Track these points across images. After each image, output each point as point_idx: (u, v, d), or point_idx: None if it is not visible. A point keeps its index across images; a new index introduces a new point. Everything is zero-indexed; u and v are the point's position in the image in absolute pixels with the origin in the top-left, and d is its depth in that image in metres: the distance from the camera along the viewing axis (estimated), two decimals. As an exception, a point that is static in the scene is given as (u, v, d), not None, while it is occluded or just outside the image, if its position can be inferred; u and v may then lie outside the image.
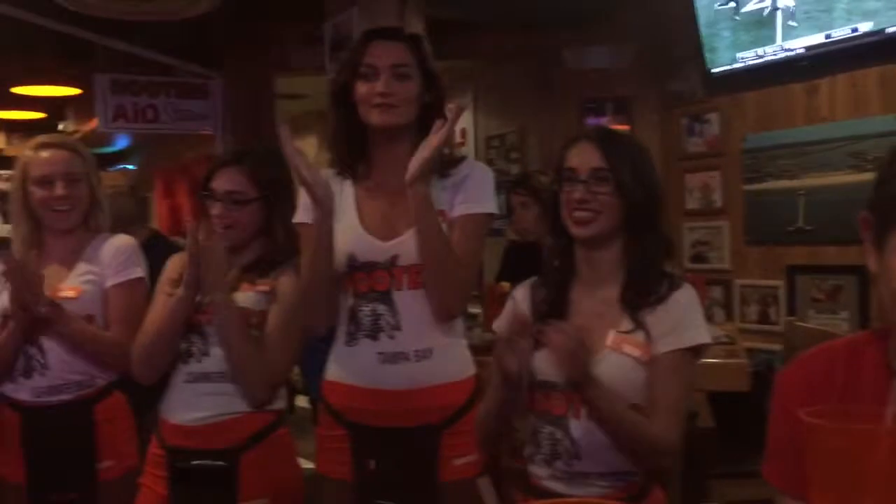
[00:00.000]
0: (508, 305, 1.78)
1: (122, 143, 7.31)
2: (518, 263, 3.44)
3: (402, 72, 1.86)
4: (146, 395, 2.07)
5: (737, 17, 4.05)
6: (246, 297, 1.96)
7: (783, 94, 4.00)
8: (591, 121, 4.75)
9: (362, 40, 1.91)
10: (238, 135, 5.11)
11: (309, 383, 3.21)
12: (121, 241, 2.30)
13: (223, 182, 1.97)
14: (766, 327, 4.10)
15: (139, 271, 2.25)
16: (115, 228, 2.41)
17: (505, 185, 4.68)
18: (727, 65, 4.13)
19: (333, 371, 1.93)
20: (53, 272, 2.23)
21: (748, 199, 4.21)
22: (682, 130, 4.57)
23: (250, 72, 5.14)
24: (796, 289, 3.95)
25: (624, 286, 1.64)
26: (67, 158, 2.24)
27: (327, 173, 1.97)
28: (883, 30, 3.45)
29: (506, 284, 3.15)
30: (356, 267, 1.86)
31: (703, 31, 4.19)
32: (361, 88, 1.86)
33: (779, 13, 3.87)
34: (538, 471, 1.65)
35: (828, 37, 3.65)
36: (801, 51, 3.78)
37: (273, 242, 2.02)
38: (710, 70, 4.21)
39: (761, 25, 3.94)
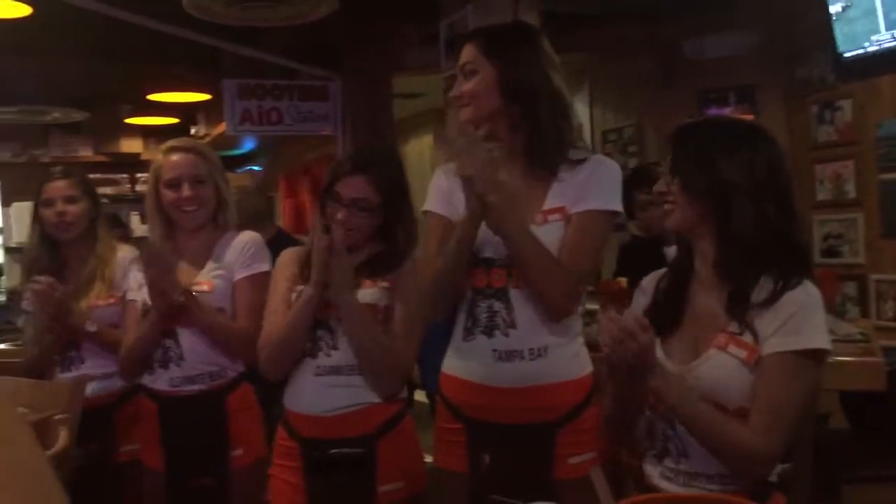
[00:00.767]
0: (639, 299, 1.75)
1: (248, 145, 7.58)
2: (636, 259, 3.39)
3: (467, 70, 1.90)
4: (273, 387, 2.14)
5: (870, -2, 3.83)
6: (368, 293, 2.00)
7: (922, 78, 3.77)
8: (713, 111, 4.61)
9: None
10: (357, 135, 5.23)
11: (426, 377, 3.26)
12: (247, 237, 2.39)
13: (349, 189, 2.00)
14: (905, 325, 3.87)
15: (265, 265, 2.33)
16: (245, 226, 2.52)
17: (623, 180, 4.62)
18: (860, 48, 3.92)
19: (450, 365, 1.95)
20: (185, 270, 2.35)
21: (884, 189, 3.98)
22: (812, 119, 4.36)
23: (368, 72, 5.24)
24: (938, 284, 3.72)
25: (732, 291, 1.57)
26: (193, 161, 2.36)
27: (444, 171, 1.99)
28: None
29: (623, 280, 3.09)
30: (475, 262, 1.87)
31: (833, 12, 3.99)
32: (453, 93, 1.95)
33: (917, -9, 3.64)
34: (650, 468, 1.63)
35: (973, 14, 3.41)
36: (943, 30, 3.54)
37: (392, 244, 2.06)
38: (841, 54, 4.01)
39: (898, 5, 3.72)
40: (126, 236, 4.73)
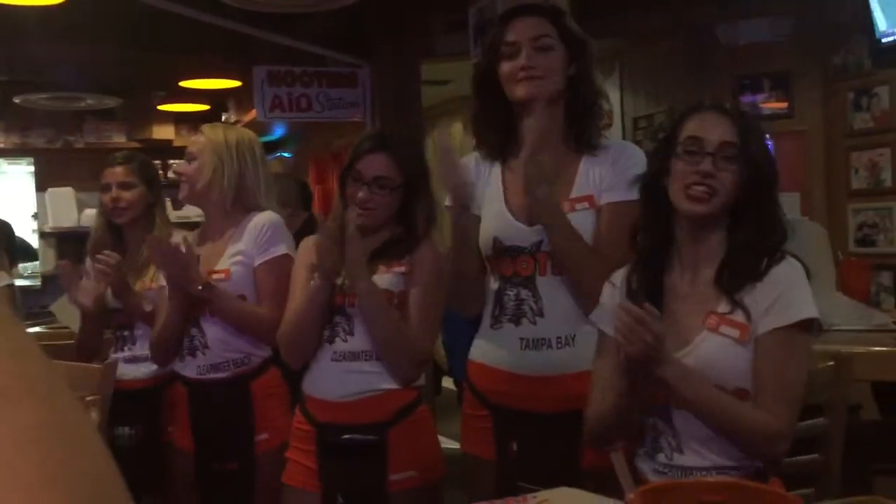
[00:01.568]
0: (606, 290, 1.70)
1: (279, 131, 7.62)
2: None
3: (544, 43, 1.85)
4: (300, 370, 2.16)
5: (910, -19, 3.75)
6: (383, 278, 1.99)
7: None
8: (747, 98, 4.54)
9: (501, 21, 1.91)
10: (385, 121, 5.23)
11: (454, 364, 3.26)
12: (263, 219, 2.37)
13: (371, 167, 1.98)
14: (941, 315, 3.80)
15: (283, 248, 2.33)
16: (280, 212, 2.54)
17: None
18: (898, 33, 3.84)
19: (478, 352, 1.95)
20: (209, 252, 2.38)
21: (921, 177, 3.91)
22: (848, 106, 4.28)
23: (397, 59, 5.23)
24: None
25: (719, 267, 1.55)
26: (196, 142, 2.42)
27: (474, 158, 1.99)
28: None
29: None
30: (502, 251, 1.86)
31: (872, -3, 3.91)
32: (505, 67, 1.86)
33: (959, -26, 3.55)
34: (641, 465, 1.60)
35: None
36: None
37: (410, 228, 2.03)
38: (879, 39, 3.93)
39: (938, -11, 3.64)
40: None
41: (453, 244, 1.86)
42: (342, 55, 5.39)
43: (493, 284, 1.90)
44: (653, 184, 1.62)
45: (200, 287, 2.24)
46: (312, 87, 5.37)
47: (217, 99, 6.98)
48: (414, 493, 1.96)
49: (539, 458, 1.83)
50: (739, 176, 1.54)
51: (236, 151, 2.40)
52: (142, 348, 2.53)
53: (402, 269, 2.00)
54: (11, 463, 0.33)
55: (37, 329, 3.81)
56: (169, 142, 7.65)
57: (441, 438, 2.15)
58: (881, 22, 3.88)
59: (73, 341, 2.72)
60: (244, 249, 2.34)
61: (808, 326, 1.50)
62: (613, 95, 5.43)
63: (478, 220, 1.91)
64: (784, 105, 4.44)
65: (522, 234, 1.83)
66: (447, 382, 5.29)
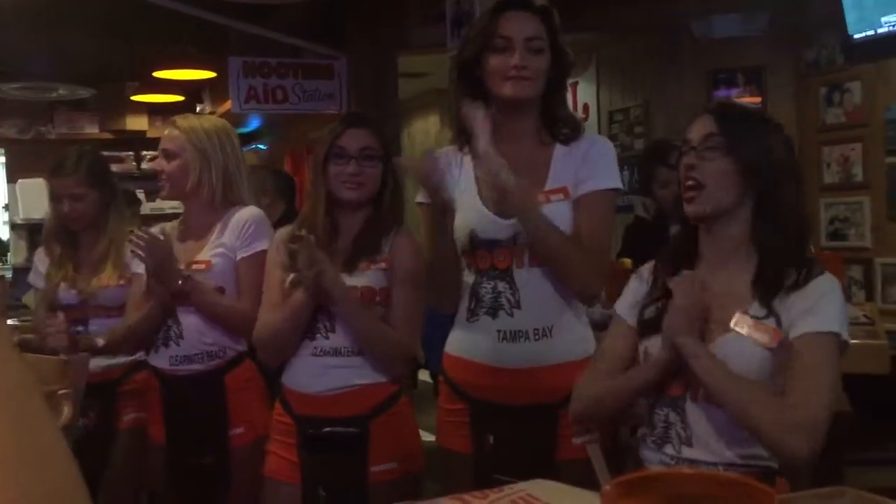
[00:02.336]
0: (632, 283, 1.74)
1: (254, 123, 7.58)
2: (641, 240, 3.37)
3: (536, 45, 1.85)
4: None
5: (881, -22, 3.79)
6: (366, 275, 1.98)
7: (933, 60, 3.74)
8: (721, 92, 4.57)
9: (494, 11, 1.88)
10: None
11: (430, 357, 3.26)
12: (247, 214, 2.36)
13: (356, 140, 1.99)
14: (911, 309, 3.86)
15: (265, 243, 2.31)
16: (257, 203, 2.52)
17: (629, 161, 4.60)
18: (870, 29, 3.88)
19: (454, 346, 1.96)
20: (191, 246, 2.36)
21: (891, 172, 3.96)
22: (820, 101, 4.33)
23: (373, 51, 5.21)
24: (945, 268, 3.70)
25: (758, 269, 1.55)
26: (168, 136, 2.38)
27: (448, 149, 1.98)
28: None
29: (627, 261, 3.09)
30: (478, 244, 1.87)
31: (844, -6, 3.94)
32: (494, 60, 1.84)
33: (929, -28, 3.60)
34: (648, 454, 1.61)
35: None
36: (955, 12, 3.51)
37: (379, 207, 2.03)
38: (851, 35, 3.97)
39: (909, -14, 3.68)
40: (139, 214, 4.76)
41: (435, 240, 1.85)
42: (318, 47, 5.37)
43: (469, 278, 1.90)
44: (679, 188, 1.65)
45: (181, 281, 2.22)
46: (288, 78, 5.34)
47: (191, 90, 6.92)
48: (394, 484, 1.95)
49: (515, 451, 1.83)
50: (732, 168, 1.54)
51: (219, 144, 2.38)
52: (51, 340, 2.47)
53: (384, 264, 2.00)
54: None
55: (11, 322, 3.76)
56: (142, 133, 7.57)
57: (418, 431, 2.16)
58: (850, 23, 3.92)
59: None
60: (227, 242, 2.33)
61: (839, 339, 1.49)
62: (589, 89, 5.46)
63: (453, 213, 1.91)
64: (758, 100, 4.48)
65: (499, 226, 1.84)
66: (423, 375, 5.30)
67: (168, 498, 2.38)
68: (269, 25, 5.05)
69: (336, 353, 1.97)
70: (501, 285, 1.85)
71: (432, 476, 2.06)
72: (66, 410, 2.00)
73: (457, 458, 1.92)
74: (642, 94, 5.11)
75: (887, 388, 2.78)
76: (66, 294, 2.58)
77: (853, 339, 2.74)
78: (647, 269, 1.74)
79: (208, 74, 6.10)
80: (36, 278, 2.69)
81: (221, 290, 2.31)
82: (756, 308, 1.53)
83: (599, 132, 5.20)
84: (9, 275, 6.63)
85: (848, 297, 3.91)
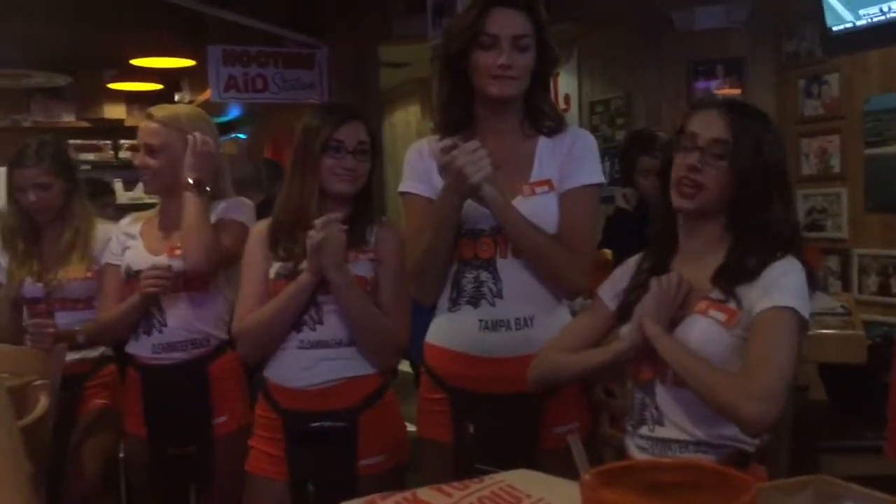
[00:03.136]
0: (618, 271, 1.77)
1: (234, 112, 7.53)
2: (622, 232, 3.38)
3: (523, 44, 1.83)
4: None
5: (860, -29, 3.81)
6: (356, 265, 1.97)
7: (910, 53, 3.77)
8: (701, 84, 4.59)
9: (481, 6, 1.85)
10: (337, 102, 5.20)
11: (410, 347, 3.26)
12: (238, 199, 2.40)
13: (353, 135, 2.00)
14: (887, 299, 3.90)
15: (243, 218, 2.33)
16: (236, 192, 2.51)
17: (610, 152, 4.61)
18: (849, 22, 3.90)
19: (435, 335, 1.95)
20: (175, 235, 2.32)
21: (869, 164, 3.99)
22: (799, 92, 4.36)
23: (354, 41, 5.19)
24: (920, 259, 3.75)
25: (721, 264, 1.58)
26: (151, 130, 2.33)
27: (427, 141, 1.98)
28: None
29: (607, 252, 3.10)
30: (461, 234, 1.86)
31: (823, -14, 3.96)
32: (480, 58, 1.83)
33: (907, -35, 3.62)
34: (627, 440, 1.66)
35: (962, -11, 3.40)
36: (932, 5, 3.53)
37: (365, 198, 2.05)
38: (830, 28, 3.99)
39: (887, -21, 3.70)
40: (113, 203, 4.69)
41: (438, 229, 1.82)
42: (299, 36, 5.34)
43: (452, 267, 1.90)
44: (663, 175, 1.66)
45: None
46: (269, 67, 5.31)
47: (170, 78, 6.87)
48: (382, 476, 1.96)
49: (496, 440, 1.84)
50: (731, 174, 1.56)
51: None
52: (33, 342, 2.45)
53: (371, 254, 2.00)
54: None
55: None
56: (120, 121, 7.50)
57: (398, 421, 2.15)
58: (828, 16, 3.94)
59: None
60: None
61: (797, 315, 1.51)
62: (571, 80, 5.46)
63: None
64: (738, 91, 4.50)
65: (482, 216, 1.83)
66: (403, 365, 5.29)
67: (149, 490, 2.37)
68: (249, 14, 5.01)
69: (323, 345, 1.96)
70: (484, 275, 1.85)
71: (413, 466, 2.06)
72: (43, 401, 1.99)
73: (437, 448, 1.92)
74: (623, 86, 5.11)
75: (864, 378, 2.82)
76: (31, 288, 2.54)
77: (830, 329, 2.78)
78: (634, 259, 1.77)
79: (187, 63, 6.05)
80: None
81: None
82: (717, 293, 1.57)
83: (580, 123, 5.21)
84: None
85: (825, 288, 3.96)
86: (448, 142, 1.77)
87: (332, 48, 5.34)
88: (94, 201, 4.41)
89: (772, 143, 1.60)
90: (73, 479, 2.44)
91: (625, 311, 1.68)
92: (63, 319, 2.51)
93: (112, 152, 7.58)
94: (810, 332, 2.38)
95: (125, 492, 2.73)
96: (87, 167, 7.50)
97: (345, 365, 1.97)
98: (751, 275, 1.54)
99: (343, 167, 1.98)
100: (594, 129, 5.03)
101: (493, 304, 1.85)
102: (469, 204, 1.82)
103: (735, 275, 1.56)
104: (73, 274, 2.53)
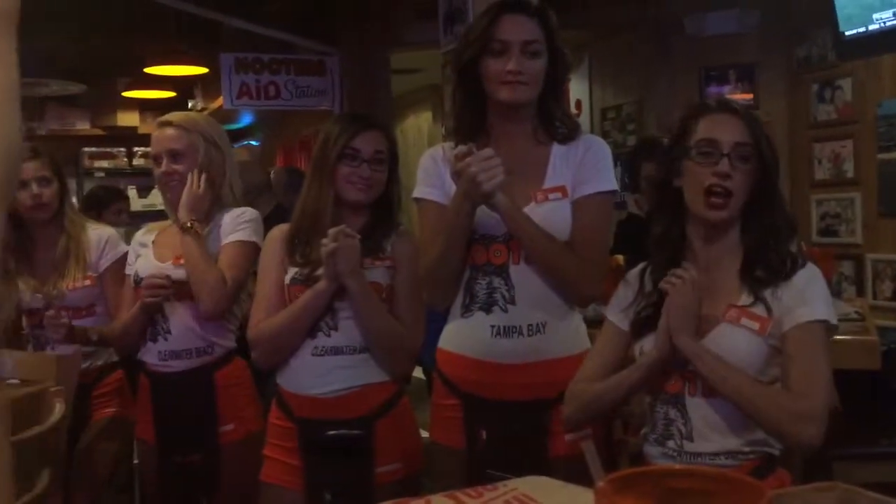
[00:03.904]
0: (621, 289, 1.76)
1: (246, 119, 7.56)
2: (634, 237, 3.37)
3: (534, 49, 1.84)
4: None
5: (873, -24, 3.80)
6: (373, 272, 1.98)
7: (923, 57, 3.75)
8: (713, 89, 4.58)
9: (492, 14, 1.86)
10: (355, 110, 5.21)
11: (423, 353, 3.26)
12: (242, 211, 2.37)
13: (370, 143, 2.01)
14: (901, 304, 3.89)
15: (255, 238, 2.31)
16: (242, 200, 2.50)
17: (623, 157, 4.61)
18: (862, 27, 3.89)
19: (448, 341, 1.95)
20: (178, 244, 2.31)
21: (882, 168, 3.97)
22: (812, 97, 4.35)
23: (365, 48, 5.21)
24: (935, 264, 3.72)
25: (744, 261, 1.58)
26: (172, 136, 2.32)
27: (441, 147, 1.98)
28: None
29: (619, 257, 3.10)
30: (474, 240, 1.86)
31: (835, -9, 3.96)
32: (491, 65, 1.84)
33: (920, -31, 3.61)
34: (650, 449, 1.64)
35: (975, -7, 3.39)
36: (945, 9, 3.52)
37: (388, 205, 2.06)
38: (842, 33, 3.98)
39: (900, -17, 3.69)
40: (127, 209, 4.72)
41: (450, 235, 1.82)
42: (310, 43, 5.36)
43: (465, 273, 1.90)
44: (665, 185, 1.65)
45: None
46: (280, 74, 5.34)
47: (183, 86, 6.90)
48: (399, 484, 1.95)
49: (508, 446, 1.83)
50: (752, 175, 1.57)
51: (221, 142, 2.39)
52: (61, 349, 2.45)
53: (388, 262, 2.00)
54: None
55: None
56: (134, 129, 7.55)
57: (411, 428, 2.15)
58: (841, 20, 3.92)
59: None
60: (214, 251, 2.31)
61: (829, 326, 1.54)
62: (582, 86, 5.46)
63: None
64: (749, 96, 4.49)
65: (495, 222, 1.83)
66: (416, 372, 5.30)
67: (160, 497, 2.37)
68: (261, 22, 5.04)
69: (337, 352, 1.96)
70: (497, 281, 1.85)
71: (425, 472, 2.06)
72: (58, 407, 2.00)
73: (450, 454, 1.92)
74: (635, 91, 5.11)
75: (878, 384, 2.80)
76: (31, 299, 2.52)
77: (844, 335, 2.77)
78: (634, 273, 1.75)
79: (200, 70, 6.09)
80: None
81: None
82: (745, 298, 1.56)
83: (592, 129, 5.21)
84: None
85: (838, 293, 3.94)
86: (463, 148, 1.77)
87: (343, 55, 5.36)
88: (108, 207, 4.46)
89: (773, 145, 1.62)
90: (81, 488, 2.45)
91: (639, 327, 1.66)
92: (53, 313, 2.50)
93: (126, 160, 7.64)
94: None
95: (139, 497, 2.74)
96: (101, 174, 7.56)
97: (360, 372, 1.97)
98: (776, 274, 1.55)
99: (358, 176, 1.99)
100: (605, 135, 5.03)
101: (505, 311, 1.85)
102: (482, 210, 1.82)
103: (762, 275, 1.56)
104: (72, 283, 2.52)
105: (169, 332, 2.29)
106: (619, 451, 1.95)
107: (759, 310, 1.54)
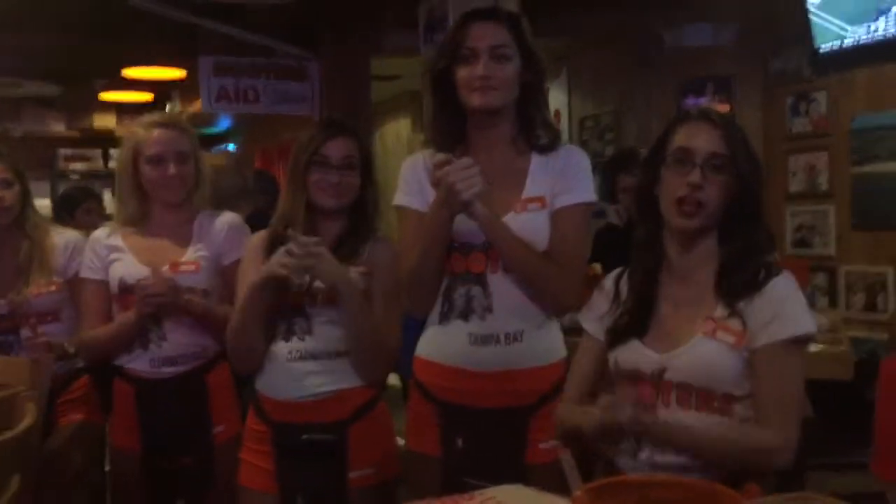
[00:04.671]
0: (595, 297, 1.76)
1: (224, 124, 7.53)
2: (612, 246, 3.39)
3: (501, 53, 1.85)
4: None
5: (847, -8, 3.86)
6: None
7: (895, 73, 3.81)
8: (691, 101, 4.63)
9: (460, 23, 1.89)
10: (333, 115, 5.20)
11: (399, 360, 3.26)
12: (231, 220, 2.35)
13: (339, 150, 2.00)
14: (873, 316, 3.94)
15: (241, 252, 2.26)
16: (221, 205, 2.48)
17: (600, 166, 4.63)
18: (836, 42, 3.95)
19: (425, 349, 1.95)
20: (168, 247, 2.29)
21: (856, 181, 4.03)
22: (787, 110, 4.40)
23: (346, 54, 5.20)
24: (906, 276, 3.78)
25: (719, 273, 1.58)
26: (177, 138, 2.30)
27: (421, 155, 1.99)
28: None
29: (596, 266, 3.11)
30: (453, 248, 1.87)
31: (811, 6, 4.01)
32: (462, 72, 1.85)
33: (894, -14, 3.67)
34: (622, 462, 1.63)
35: (947, 11, 3.45)
36: (918, 26, 3.58)
37: (363, 213, 2.05)
38: (817, 47, 4.04)
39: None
40: (97, 210, 4.62)
41: (429, 243, 1.83)
42: (291, 48, 5.35)
43: (443, 282, 1.91)
44: (645, 192, 1.64)
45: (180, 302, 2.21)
46: (260, 79, 5.32)
47: (161, 89, 6.86)
48: (372, 490, 1.95)
49: (485, 454, 1.83)
50: (727, 186, 1.56)
51: (198, 143, 2.38)
52: (28, 354, 2.39)
53: (364, 268, 1.99)
54: None
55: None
56: (110, 131, 7.49)
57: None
58: (816, 36, 3.98)
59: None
60: (211, 247, 2.30)
61: (803, 340, 1.54)
62: (560, 96, 5.50)
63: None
64: (726, 108, 4.54)
65: (474, 231, 1.84)
66: (392, 379, 5.28)
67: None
68: (241, 27, 5.02)
69: (313, 357, 1.96)
70: (475, 289, 1.86)
71: (401, 479, 2.05)
72: (31, 412, 1.97)
73: (426, 461, 1.92)
74: (613, 101, 5.15)
75: (850, 395, 2.83)
76: None
77: (817, 345, 2.79)
78: (609, 281, 1.75)
79: (178, 73, 6.05)
80: None
81: (206, 294, 2.27)
82: (720, 310, 1.56)
83: (570, 138, 5.23)
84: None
85: (812, 304, 3.98)
86: (442, 157, 1.78)
87: (323, 60, 5.35)
88: (78, 207, 4.38)
89: (754, 154, 1.61)
90: (48, 494, 2.40)
91: (612, 338, 1.67)
92: (31, 334, 2.43)
93: (101, 162, 7.57)
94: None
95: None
96: (77, 177, 7.49)
97: (335, 377, 1.96)
98: (751, 286, 1.54)
99: (328, 182, 1.98)
100: (584, 144, 5.07)
101: (482, 319, 1.85)
102: (461, 218, 1.82)
103: (737, 287, 1.56)
104: (37, 289, 2.45)
105: (164, 338, 2.25)
106: (596, 461, 1.95)
107: (735, 323, 1.54)
